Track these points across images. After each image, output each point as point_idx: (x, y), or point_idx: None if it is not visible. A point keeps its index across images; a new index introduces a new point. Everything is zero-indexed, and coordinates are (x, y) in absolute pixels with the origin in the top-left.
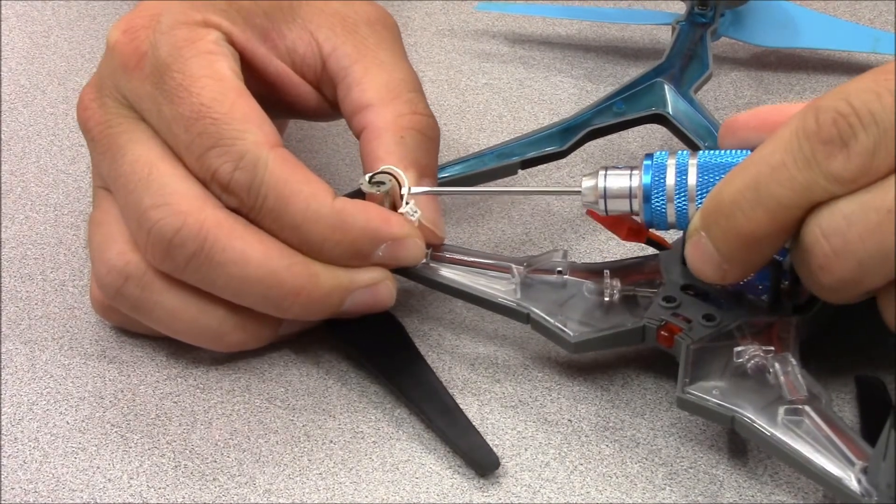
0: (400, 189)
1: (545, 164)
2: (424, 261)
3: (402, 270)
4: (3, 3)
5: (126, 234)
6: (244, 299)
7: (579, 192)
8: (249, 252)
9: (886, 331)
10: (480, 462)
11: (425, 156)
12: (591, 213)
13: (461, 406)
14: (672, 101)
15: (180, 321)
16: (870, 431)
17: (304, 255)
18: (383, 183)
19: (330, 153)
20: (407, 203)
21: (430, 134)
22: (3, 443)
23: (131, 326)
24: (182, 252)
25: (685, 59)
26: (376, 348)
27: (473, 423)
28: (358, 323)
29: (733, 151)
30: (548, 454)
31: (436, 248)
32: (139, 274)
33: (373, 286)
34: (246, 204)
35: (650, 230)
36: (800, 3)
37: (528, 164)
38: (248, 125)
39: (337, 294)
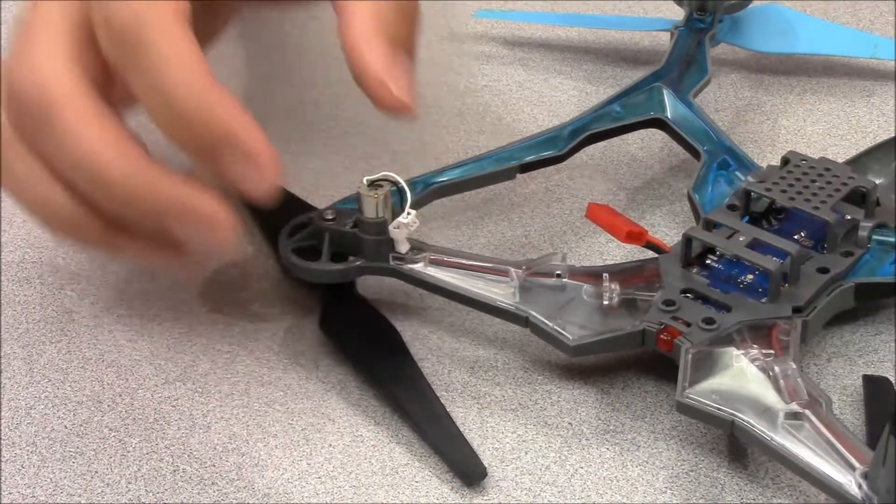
0: (403, 196)
1: (543, 169)
2: (423, 263)
3: (400, 274)
4: (3, 3)
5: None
6: (77, 180)
7: None
8: (86, 134)
9: (887, 332)
10: (466, 471)
11: (402, 29)
12: (590, 216)
13: (461, 409)
14: (671, 105)
15: (28, 192)
16: (876, 432)
17: (155, 123)
18: (381, 186)
19: (330, 156)
20: (408, 214)
21: (407, 8)
22: (0, 447)
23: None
24: (30, 120)
25: (684, 65)
26: (368, 352)
27: (473, 427)
28: (351, 326)
29: None
30: (548, 457)
31: (434, 251)
32: (7, 134)
33: (210, 215)
34: (125, 51)
35: (648, 234)
36: (800, 2)
37: (526, 168)
38: None
39: (167, 196)
